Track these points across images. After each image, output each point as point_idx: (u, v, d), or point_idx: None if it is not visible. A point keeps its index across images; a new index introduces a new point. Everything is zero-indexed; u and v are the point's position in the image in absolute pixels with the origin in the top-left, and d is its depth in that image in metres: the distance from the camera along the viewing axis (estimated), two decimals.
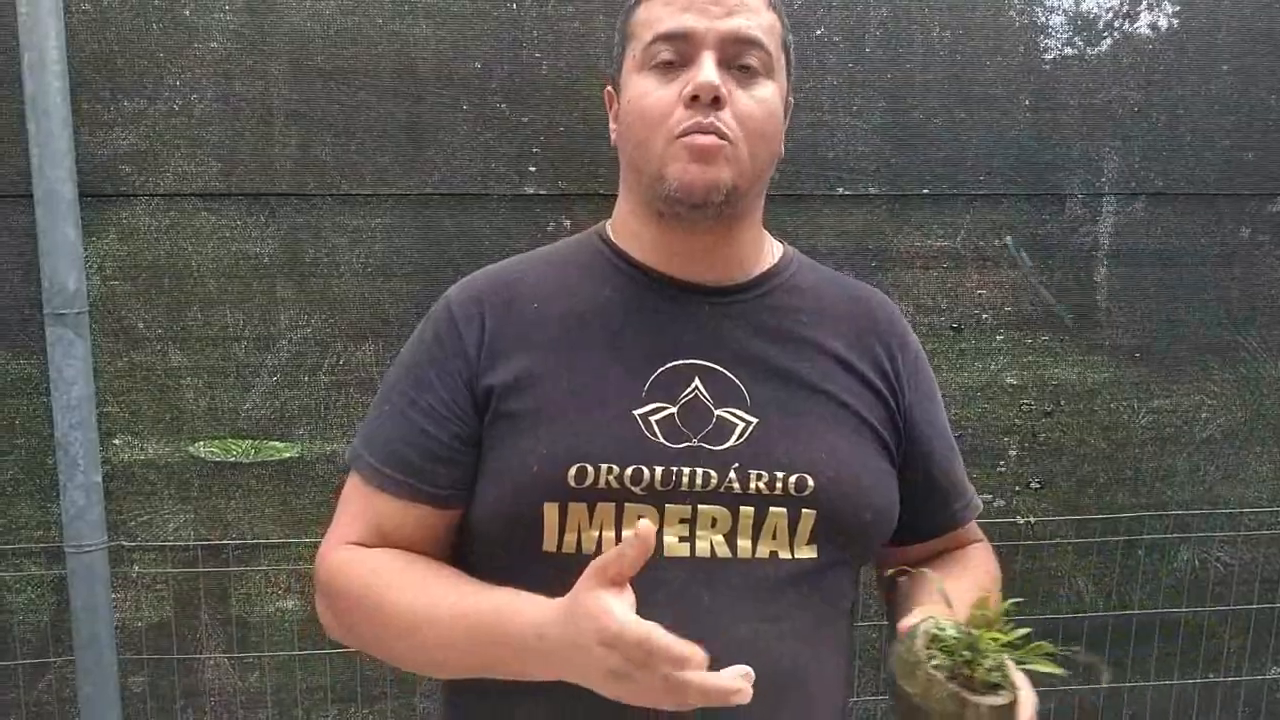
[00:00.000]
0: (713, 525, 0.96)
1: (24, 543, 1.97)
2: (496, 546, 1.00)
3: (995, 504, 2.18)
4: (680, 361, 1.00)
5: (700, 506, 0.96)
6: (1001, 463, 2.17)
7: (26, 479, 1.96)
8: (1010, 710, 0.81)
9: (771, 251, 1.11)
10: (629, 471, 0.95)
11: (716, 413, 0.99)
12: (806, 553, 0.98)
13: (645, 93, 0.99)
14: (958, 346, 2.13)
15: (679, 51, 0.98)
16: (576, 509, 0.95)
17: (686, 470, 0.96)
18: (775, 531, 0.97)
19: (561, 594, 0.87)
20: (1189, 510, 2.24)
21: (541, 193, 1.99)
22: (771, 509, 0.97)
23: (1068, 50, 2.07)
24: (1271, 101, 2.13)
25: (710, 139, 0.96)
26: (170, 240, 1.93)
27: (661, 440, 0.96)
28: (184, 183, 1.91)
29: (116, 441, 1.96)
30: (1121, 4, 2.07)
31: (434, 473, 1.00)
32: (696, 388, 0.99)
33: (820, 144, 2.04)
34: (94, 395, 1.92)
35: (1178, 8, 2.08)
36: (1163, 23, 2.09)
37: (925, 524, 1.10)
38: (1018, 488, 2.18)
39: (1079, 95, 2.08)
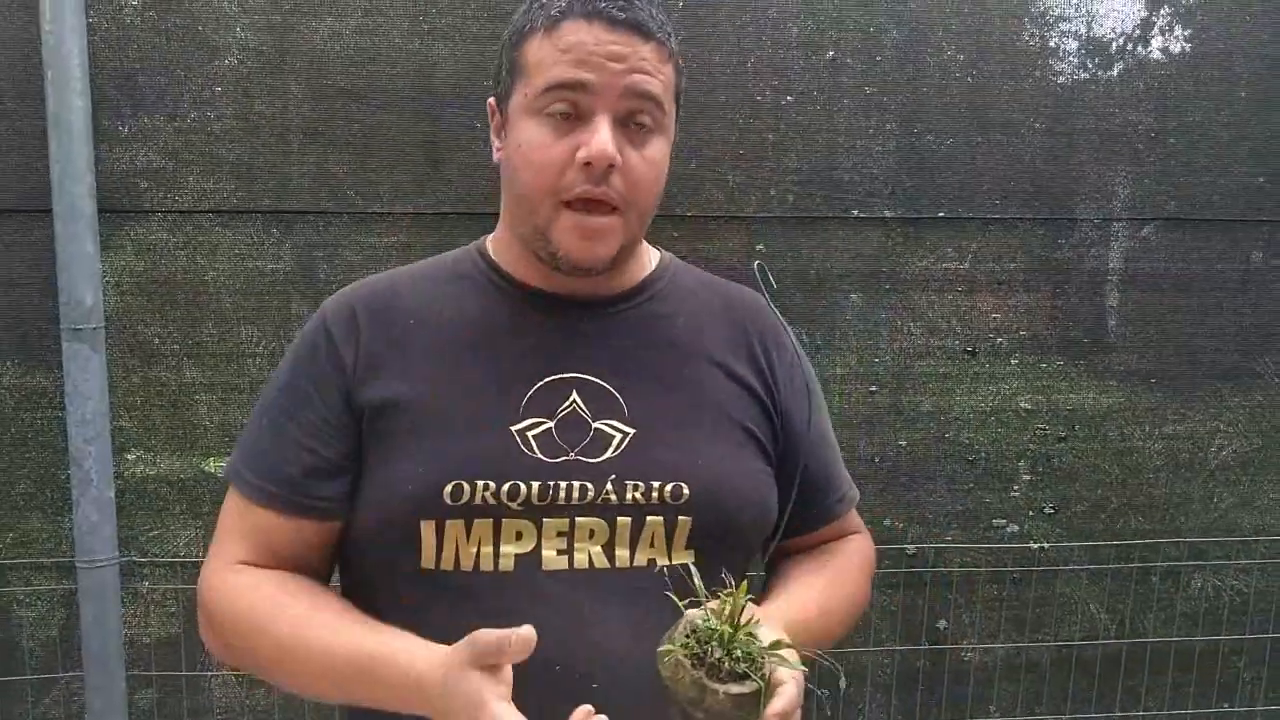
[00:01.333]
0: (590, 537, 0.97)
1: (35, 557, 1.97)
2: (376, 564, 1.00)
3: (1009, 529, 2.16)
4: (558, 376, 1.00)
5: (578, 519, 0.97)
6: (1015, 487, 2.16)
7: (39, 493, 1.96)
8: (751, 699, 0.81)
9: (649, 259, 1.12)
10: (505, 488, 0.95)
11: (594, 425, 0.99)
12: (684, 558, 0.99)
13: (536, 145, 0.97)
14: (971, 370, 2.13)
15: (574, 104, 0.95)
16: (454, 526, 0.95)
17: (564, 484, 0.96)
18: (653, 539, 0.98)
19: (442, 611, 0.93)
20: (1203, 537, 2.22)
21: None
22: (649, 518, 0.98)
23: (1081, 74, 2.08)
24: None
25: (600, 220, 0.97)
26: (186, 256, 1.94)
27: (539, 455, 0.97)
28: (201, 199, 1.92)
29: (130, 456, 1.96)
30: (1134, 29, 2.08)
31: (316, 487, 1.00)
32: (574, 401, 1.00)
33: (834, 166, 2.04)
34: (109, 410, 1.93)
35: (1190, 32, 2.09)
36: (1175, 48, 2.09)
37: (801, 519, 1.09)
38: (1031, 513, 2.17)
39: (1093, 119, 2.09)
